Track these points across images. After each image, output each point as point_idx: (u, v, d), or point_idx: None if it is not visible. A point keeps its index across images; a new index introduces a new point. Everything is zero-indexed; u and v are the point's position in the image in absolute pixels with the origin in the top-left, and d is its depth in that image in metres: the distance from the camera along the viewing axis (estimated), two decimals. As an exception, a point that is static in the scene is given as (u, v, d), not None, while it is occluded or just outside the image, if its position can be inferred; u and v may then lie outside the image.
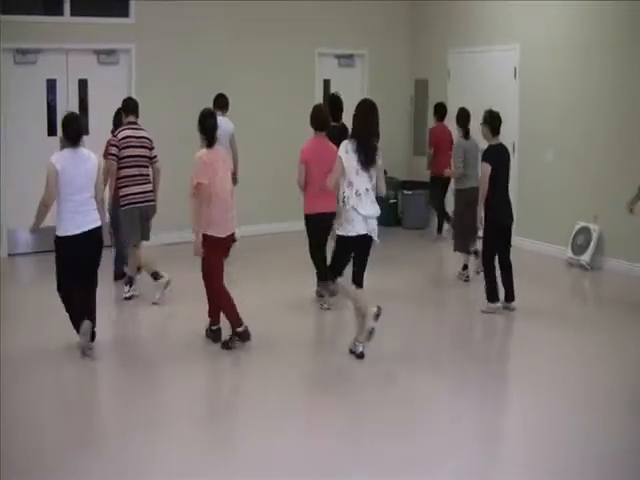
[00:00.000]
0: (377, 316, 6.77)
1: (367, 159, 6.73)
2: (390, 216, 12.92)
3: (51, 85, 10.96)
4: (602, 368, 6.84)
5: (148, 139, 8.59)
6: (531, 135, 11.13)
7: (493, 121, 8.13)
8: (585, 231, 10.23)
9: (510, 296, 8.27)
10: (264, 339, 7.34)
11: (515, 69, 11.34)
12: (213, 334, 7.30)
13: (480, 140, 8.97)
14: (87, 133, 10.64)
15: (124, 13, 11.22)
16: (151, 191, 8.63)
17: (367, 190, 6.75)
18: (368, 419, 5.88)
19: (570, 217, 10.43)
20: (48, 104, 10.92)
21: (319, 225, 8.23)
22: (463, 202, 9.38)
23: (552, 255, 10.60)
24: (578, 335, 7.71)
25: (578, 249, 10.27)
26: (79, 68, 11.06)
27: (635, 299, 8.80)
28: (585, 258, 10.11)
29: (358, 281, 6.95)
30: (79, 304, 6.90)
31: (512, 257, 8.29)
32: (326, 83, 12.88)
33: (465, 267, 9.56)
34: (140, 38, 11.19)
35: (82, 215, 6.73)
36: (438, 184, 11.49)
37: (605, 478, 5.04)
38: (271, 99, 11.88)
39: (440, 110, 11.72)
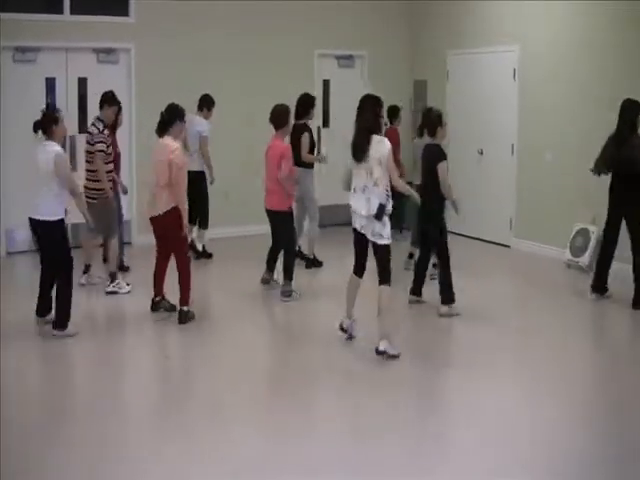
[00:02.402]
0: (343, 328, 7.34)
1: (355, 153, 6.82)
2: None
3: (50, 84, 10.96)
4: (598, 367, 6.85)
5: (89, 133, 8.91)
6: (530, 136, 11.14)
7: None
8: (584, 233, 10.24)
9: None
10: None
11: (514, 70, 11.35)
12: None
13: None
14: (86, 131, 10.69)
15: (124, 12, 11.24)
16: (89, 188, 8.79)
17: (365, 187, 6.80)
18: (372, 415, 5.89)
19: (569, 219, 10.44)
20: (47, 103, 10.90)
21: (268, 218, 8.87)
22: None
23: (551, 257, 10.61)
24: (574, 335, 7.74)
25: (577, 251, 10.27)
26: (79, 67, 11.06)
27: (628, 299, 8.81)
28: (584, 260, 10.12)
29: (357, 273, 7.25)
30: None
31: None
32: (326, 83, 12.90)
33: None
34: (140, 37, 11.20)
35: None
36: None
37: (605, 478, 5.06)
38: (270, 99, 11.84)
39: (395, 113, 11.85)
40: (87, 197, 8.71)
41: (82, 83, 11.13)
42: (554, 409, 6.00)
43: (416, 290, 8.59)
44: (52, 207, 7.24)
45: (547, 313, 8.40)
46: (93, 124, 8.91)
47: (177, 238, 7.80)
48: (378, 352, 6.81)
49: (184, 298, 7.85)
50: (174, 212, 7.70)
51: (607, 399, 6.27)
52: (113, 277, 8.86)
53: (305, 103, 9.93)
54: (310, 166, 9.90)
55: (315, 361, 6.98)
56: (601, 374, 6.81)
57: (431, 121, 8.36)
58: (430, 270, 8.95)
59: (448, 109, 12.45)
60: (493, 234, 11.76)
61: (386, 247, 6.88)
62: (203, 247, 10.73)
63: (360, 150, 6.79)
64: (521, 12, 11.17)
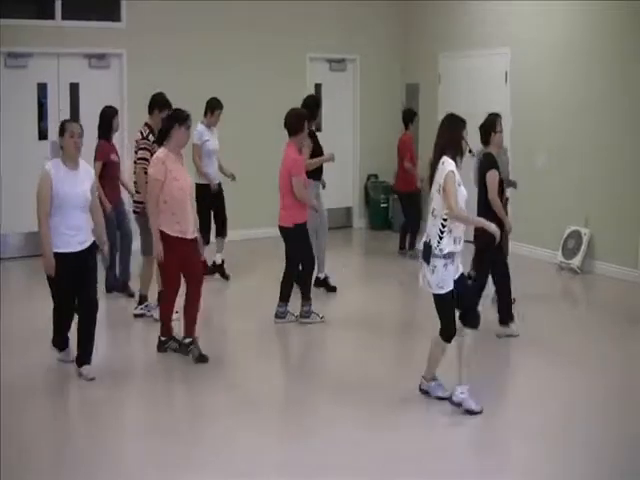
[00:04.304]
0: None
1: (430, 179, 5.98)
2: (381, 220, 13.00)
3: (42, 89, 10.95)
4: (591, 369, 6.87)
5: (136, 141, 8.17)
6: (522, 139, 11.14)
7: None
8: (576, 235, 10.26)
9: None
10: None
11: (506, 73, 11.37)
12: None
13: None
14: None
15: (115, 17, 11.23)
16: (134, 200, 8.28)
17: (431, 214, 5.89)
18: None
19: (561, 221, 10.45)
20: (39, 108, 10.91)
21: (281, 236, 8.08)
22: None
23: (543, 259, 10.62)
24: (567, 337, 7.75)
25: (569, 253, 10.30)
26: (70, 72, 11.06)
27: (624, 302, 8.85)
28: (576, 262, 10.14)
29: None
30: None
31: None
32: (317, 87, 12.91)
33: None
34: (131, 42, 11.19)
35: None
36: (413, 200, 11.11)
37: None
38: (262, 103, 11.89)
39: (409, 116, 11.16)
40: (133, 211, 8.25)
41: (74, 89, 11.11)
42: (547, 410, 6.02)
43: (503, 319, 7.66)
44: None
45: (535, 315, 8.38)
46: (140, 130, 8.12)
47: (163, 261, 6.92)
48: (453, 402, 5.94)
49: (163, 324, 7.16)
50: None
51: (597, 400, 6.29)
52: (142, 299, 8.16)
53: (312, 106, 8.82)
54: (317, 178, 8.89)
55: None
56: (592, 375, 6.82)
57: (483, 126, 7.50)
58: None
59: (440, 112, 12.49)
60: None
61: (438, 297, 5.83)
62: (222, 261, 9.79)
63: (431, 175, 5.92)
64: (513, 15, 11.18)
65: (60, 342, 6.80)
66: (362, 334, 7.86)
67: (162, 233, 6.80)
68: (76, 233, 6.34)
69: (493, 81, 11.58)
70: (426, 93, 12.84)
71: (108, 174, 8.64)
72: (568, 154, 10.44)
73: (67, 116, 11.02)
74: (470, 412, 5.84)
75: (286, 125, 7.89)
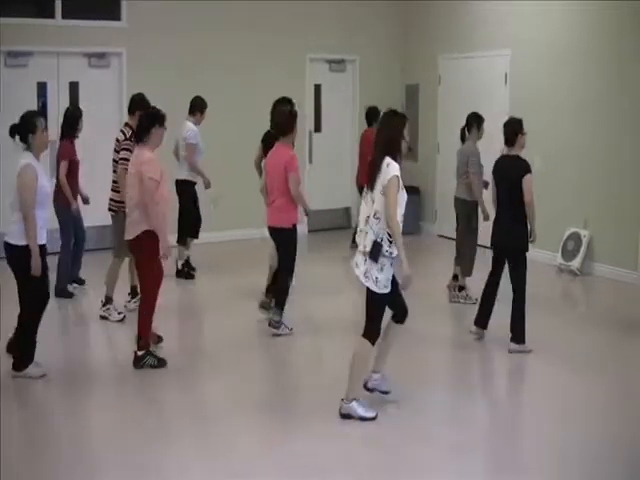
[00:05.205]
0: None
1: (368, 179, 5.72)
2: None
3: (42, 88, 10.94)
4: (590, 370, 6.88)
5: (117, 140, 8.16)
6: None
7: None
8: (575, 237, 10.27)
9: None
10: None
11: (506, 75, 11.37)
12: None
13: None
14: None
15: (116, 16, 11.23)
16: (111, 199, 8.18)
17: (367, 219, 5.65)
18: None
19: (560, 223, 10.45)
20: (39, 107, 10.88)
21: (271, 237, 7.92)
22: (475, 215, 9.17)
23: (543, 261, 10.60)
24: (567, 338, 7.75)
25: (568, 255, 10.30)
26: (70, 71, 11.07)
27: (623, 304, 8.86)
28: (575, 264, 10.15)
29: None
30: None
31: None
32: (317, 88, 12.91)
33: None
34: (131, 42, 11.19)
35: None
36: None
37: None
38: (261, 104, 11.84)
39: (372, 114, 11.00)
40: (109, 209, 8.19)
41: (73, 87, 11.11)
42: (543, 411, 6.02)
43: (481, 321, 7.57)
44: (21, 229, 6.35)
45: (534, 318, 8.36)
46: (121, 130, 8.17)
47: (146, 266, 6.80)
48: (342, 415, 5.80)
49: (142, 338, 6.75)
50: (145, 238, 6.72)
51: (596, 403, 6.29)
52: (108, 300, 8.10)
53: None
54: None
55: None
56: (589, 378, 6.82)
57: (511, 127, 7.52)
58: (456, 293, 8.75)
59: (440, 113, 12.51)
60: (484, 238, 11.73)
61: (379, 297, 5.68)
62: (186, 261, 9.82)
63: (371, 175, 5.65)
64: (513, 16, 11.19)
65: (31, 355, 6.51)
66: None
67: (152, 233, 6.68)
68: (44, 226, 6.46)
69: (493, 82, 11.59)
70: (426, 94, 12.84)
71: (71, 173, 8.71)
72: (567, 155, 10.44)
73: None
74: (384, 392, 6.02)
75: (276, 126, 7.78)
